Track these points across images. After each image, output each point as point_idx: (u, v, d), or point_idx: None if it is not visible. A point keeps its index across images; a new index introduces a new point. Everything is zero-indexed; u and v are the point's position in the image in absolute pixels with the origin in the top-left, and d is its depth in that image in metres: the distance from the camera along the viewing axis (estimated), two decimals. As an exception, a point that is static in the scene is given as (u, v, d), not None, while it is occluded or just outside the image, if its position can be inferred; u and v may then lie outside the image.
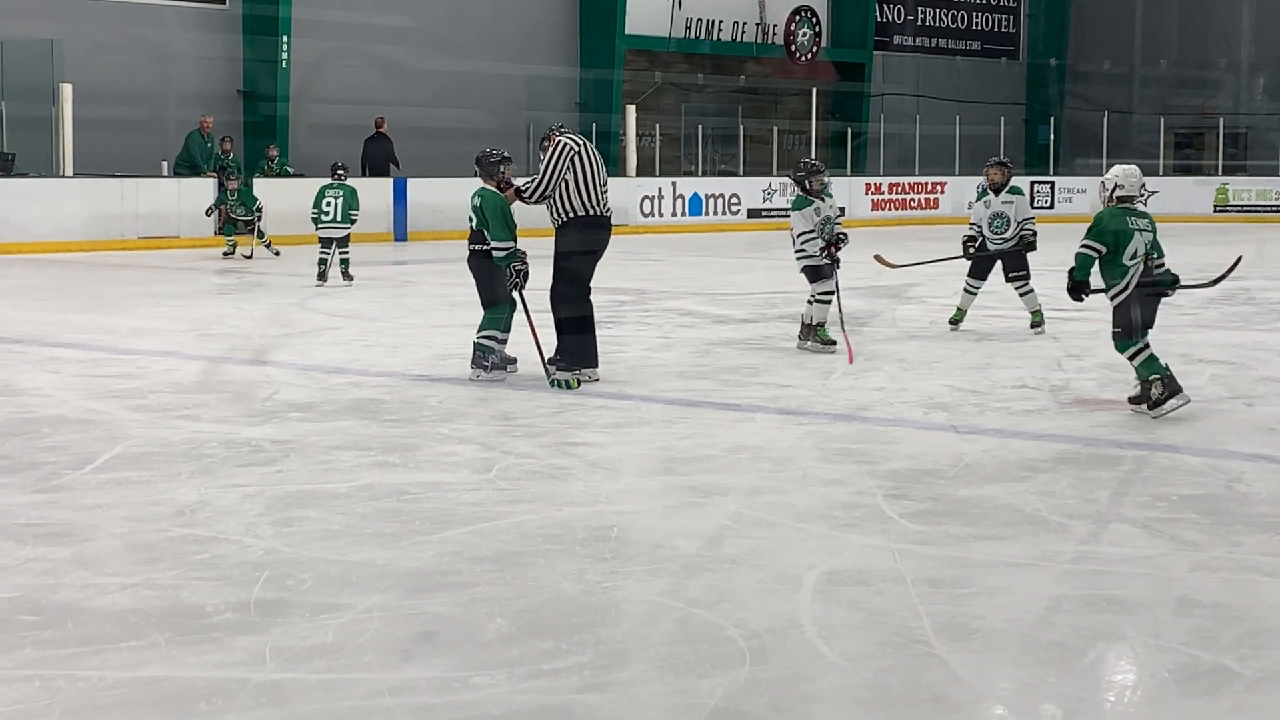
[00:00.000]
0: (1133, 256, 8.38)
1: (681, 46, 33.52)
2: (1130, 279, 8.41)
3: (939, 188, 33.62)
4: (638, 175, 29.40)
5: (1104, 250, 8.37)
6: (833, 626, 4.77)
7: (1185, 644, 4.60)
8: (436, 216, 24.76)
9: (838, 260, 11.51)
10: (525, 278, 9.73)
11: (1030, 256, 12.63)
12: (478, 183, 10.02)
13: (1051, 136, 36.31)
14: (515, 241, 9.78)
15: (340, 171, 18.09)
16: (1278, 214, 32.48)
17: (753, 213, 30.51)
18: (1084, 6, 40.87)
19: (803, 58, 35.34)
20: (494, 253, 9.74)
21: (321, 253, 17.54)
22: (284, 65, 26.32)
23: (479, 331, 9.90)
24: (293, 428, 8.22)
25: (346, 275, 17.47)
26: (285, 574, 5.31)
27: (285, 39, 26.24)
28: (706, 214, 29.62)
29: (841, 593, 5.16)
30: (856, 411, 8.83)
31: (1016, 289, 12.62)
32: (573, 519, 6.20)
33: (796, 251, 11.56)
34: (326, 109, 26.47)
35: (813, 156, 32.72)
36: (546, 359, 9.72)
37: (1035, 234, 12.78)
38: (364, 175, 25.68)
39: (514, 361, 10.04)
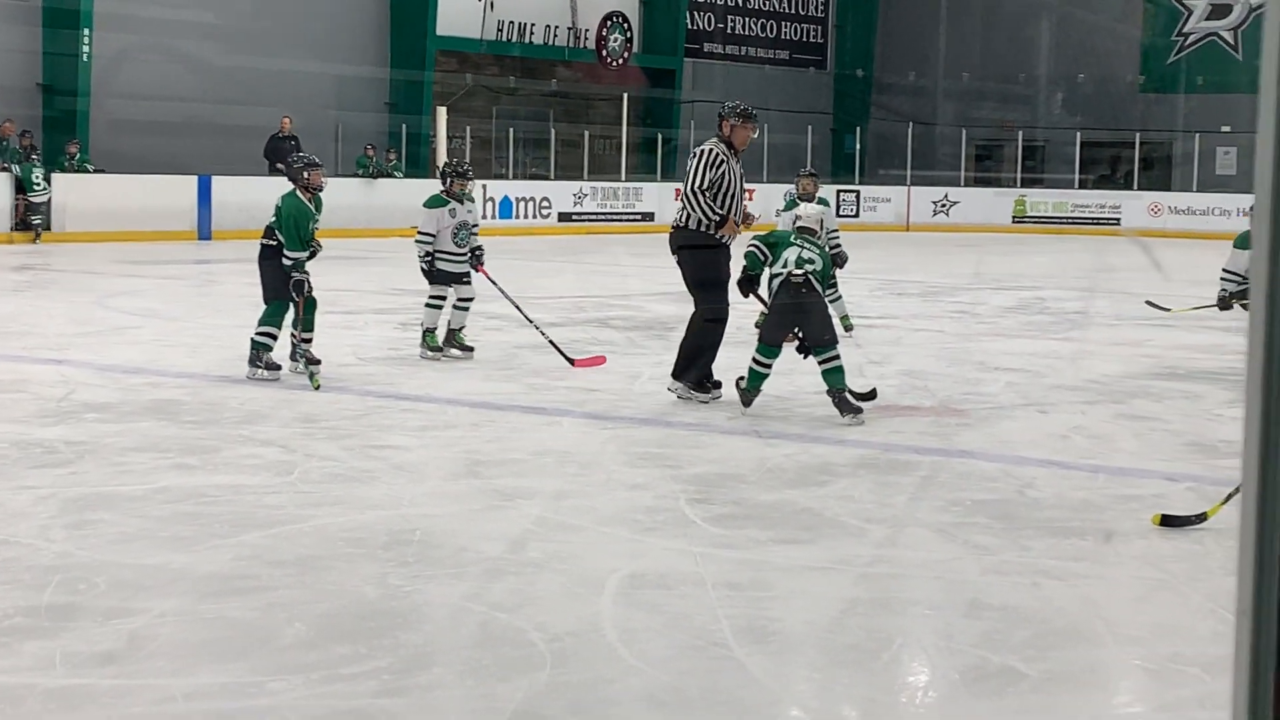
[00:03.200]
0: (783, 265, 8.79)
1: (493, 49, 33.41)
2: (771, 286, 8.90)
3: (747, 194, 33.91)
4: (448, 177, 29.21)
5: (766, 250, 8.88)
6: (633, 630, 4.80)
7: (975, 646, 4.70)
8: (242, 215, 24.36)
9: (476, 268, 11.31)
10: (300, 289, 9.88)
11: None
12: (286, 183, 10.14)
13: (857, 146, 36.88)
14: (305, 251, 9.90)
15: None
16: (1073, 226, 33.36)
17: (563, 216, 30.56)
18: (890, 19, 41.57)
19: (614, 63, 35.46)
20: (283, 259, 9.86)
21: None
22: (85, 59, 25.69)
23: (256, 328, 9.89)
24: (88, 428, 8.05)
25: None
26: (78, 578, 5.20)
27: (87, 32, 25.62)
28: (517, 217, 29.59)
29: (643, 596, 5.20)
30: (662, 416, 8.89)
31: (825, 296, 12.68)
32: (375, 522, 6.15)
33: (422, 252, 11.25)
34: (128, 104, 25.91)
35: (623, 161, 33.06)
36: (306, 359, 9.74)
37: (841, 246, 12.86)
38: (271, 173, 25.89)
39: (318, 363, 9.97)
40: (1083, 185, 35.32)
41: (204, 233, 24.82)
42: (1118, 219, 32.94)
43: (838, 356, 8.70)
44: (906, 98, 40.66)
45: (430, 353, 10.99)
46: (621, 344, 12.20)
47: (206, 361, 10.69)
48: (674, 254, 9.46)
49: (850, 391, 8.67)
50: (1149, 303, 14.26)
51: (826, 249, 9.04)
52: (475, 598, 5.11)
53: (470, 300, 11.24)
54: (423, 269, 11.23)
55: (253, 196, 24.03)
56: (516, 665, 4.41)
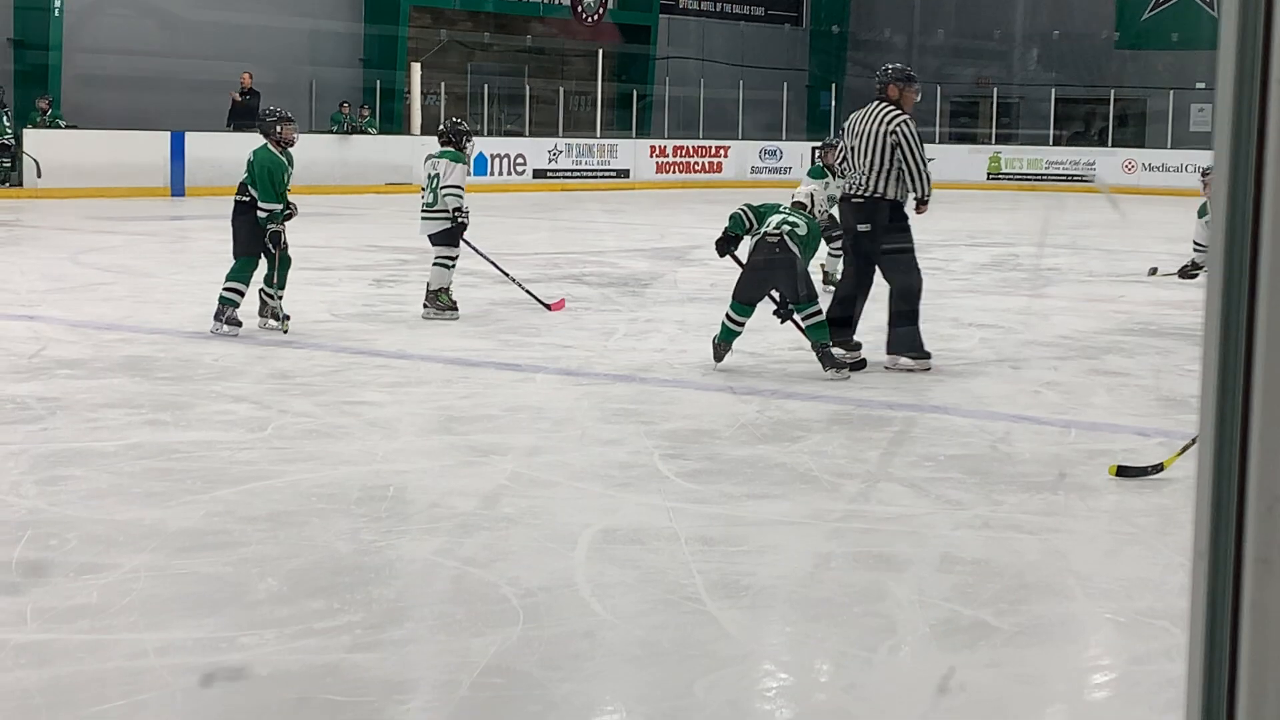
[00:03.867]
0: (768, 229, 8.86)
1: (467, 4, 33.24)
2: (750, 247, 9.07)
3: (722, 151, 33.92)
4: (422, 134, 29.11)
5: (753, 218, 8.94)
6: (606, 585, 4.81)
7: (947, 599, 4.73)
8: (215, 171, 24.24)
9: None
10: (276, 240, 9.90)
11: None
12: (259, 138, 10.11)
13: (833, 103, 36.81)
14: (281, 203, 9.91)
15: None
16: (1047, 182, 33.37)
17: (538, 173, 30.47)
18: (866, -25, 41.53)
19: (589, 19, 35.32)
20: (258, 211, 9.88)
21: None
22: (56, 13, 25.50)
23: (225, 283, 9.97)
24: (60, 385, 8.02)
25: None
26: (49, 533, 5.19)
27: (58, -14, 25.45)
28: (492, 174, 29.48)
29: (616, 551, 5.21)
30: (636, 372, 8.89)
31: (831, 250, 12.23)
32: (348, 478, 6.14)
33: (438, 212, 10.94)
34: (99, 59, 25.74)
35: (598, 118, 32.97)
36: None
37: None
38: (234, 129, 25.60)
39: (287, 318, 9.95)
40: (1057, 142, 35.34)
41: (177, 189, 24.69)
42: (1092, 176, 32.97)
43: (820, 311, 8.75)
44: (882, 54, 40.54)
45: (448, 313, 10.86)
46: (596, 300, 12.19)
47: (179, 318, 10.64)
48: (863, 225, 9.19)
49: (834, 355, 8.72)
50: (1152, 270, 14.19)
51: (817, 221, 9.01)
52: (448, 553, 5.12)
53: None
54: (453, 226, 10.94)
55: (226, 152, 23.88)
56: (489, 620, 4.42)
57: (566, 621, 4.46)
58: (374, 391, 8.11)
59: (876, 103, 9.30)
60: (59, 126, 24.34)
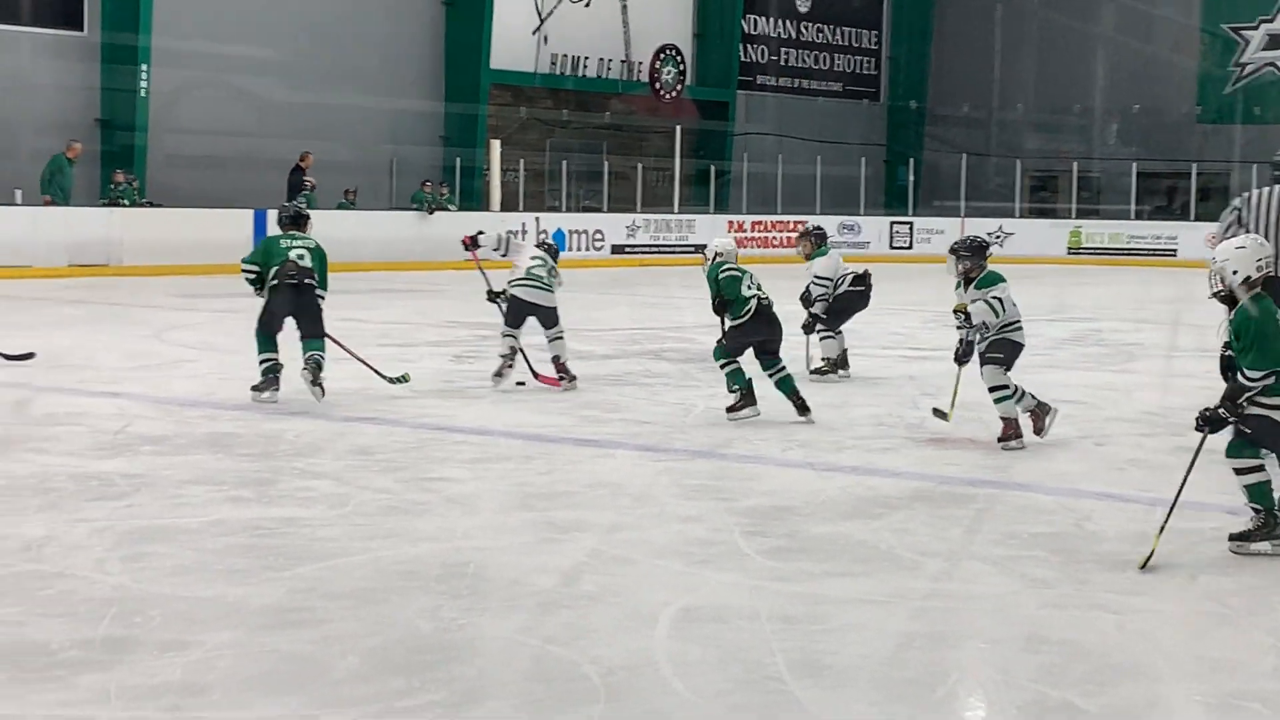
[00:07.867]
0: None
1: (546, 82, 33.57)
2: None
3: (800, 226, 33.94)
4: (501, 210, 29.32)
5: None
6: (687, 663, 4.77)
7: (1033, 680, 4.66)
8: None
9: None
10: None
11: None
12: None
13: (911, 178, 36.78)
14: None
15: None
16: (1128, 257, 33.13)
17: (616, 249, 30.60)
18: (944, 51, 41.52)
19: (667, 95, 35.54)
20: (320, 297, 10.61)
21: None
22: (143, 94, 25.95)
23: (310, 352, 10.40)
24: (145, 461, 8.09)
25: None
26: (133, 610, 5.22)
27: (145, 68, 25.88)
28: (570, 250, 29.58)
29: (697, 629, 5.17)
30: (715, 448, 8.86)
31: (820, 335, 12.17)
32: (429, 555, 6.15)
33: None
34: (185, 139, 26.14)
35: (676, 193, 33.09)
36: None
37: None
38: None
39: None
40: (1139, 216, 35.10)
41: (260, 266, 24.95)
42: (1174, 250, 32.70)
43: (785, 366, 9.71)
44: (960, 129, 40.58)
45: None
46: (675, 376, 12.18)
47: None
48: None
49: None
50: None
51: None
52: (529, 631, 5.10)
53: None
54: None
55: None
56: (571, 699, 4.40)
57: (648, 700, 4.43)
58: (454, 468, 8.12)
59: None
60: (124, 204, 24.54)
